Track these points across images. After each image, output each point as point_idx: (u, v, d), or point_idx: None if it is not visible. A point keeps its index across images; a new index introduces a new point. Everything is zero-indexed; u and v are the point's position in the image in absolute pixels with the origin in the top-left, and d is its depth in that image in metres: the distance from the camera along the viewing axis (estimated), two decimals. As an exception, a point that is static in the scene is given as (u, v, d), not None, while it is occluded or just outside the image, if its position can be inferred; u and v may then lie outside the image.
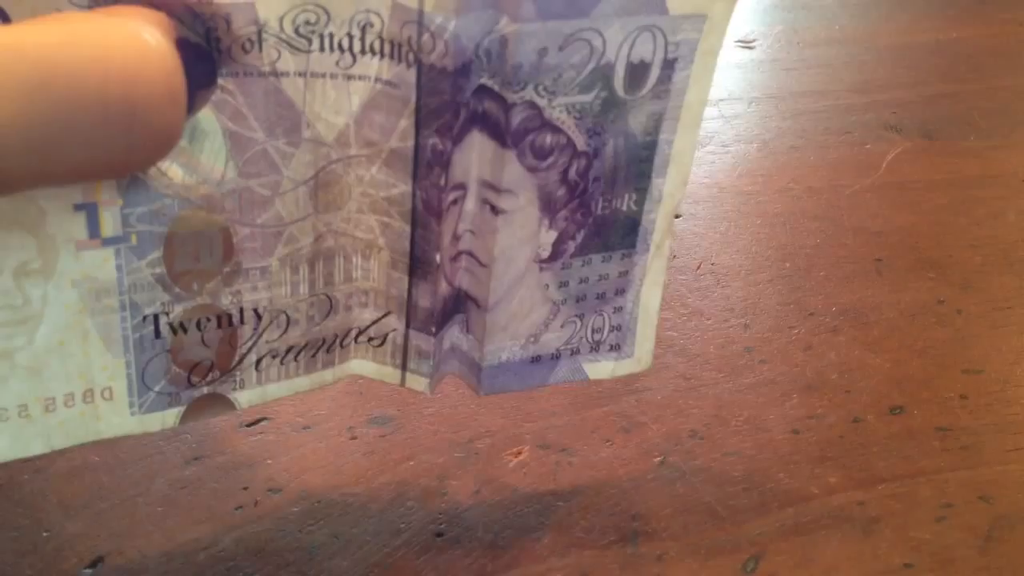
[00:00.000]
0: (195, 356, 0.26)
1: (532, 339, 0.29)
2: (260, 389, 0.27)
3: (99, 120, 0.18)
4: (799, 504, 0.33)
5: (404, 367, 0.28)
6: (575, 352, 0.29)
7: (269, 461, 0.34)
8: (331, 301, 0.27)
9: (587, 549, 0.31)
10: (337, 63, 0.24)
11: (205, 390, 0.26)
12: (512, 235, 0.26)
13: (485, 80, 0.24)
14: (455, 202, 0.26)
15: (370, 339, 0.28)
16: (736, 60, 0.72)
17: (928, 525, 0.32)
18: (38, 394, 0.24)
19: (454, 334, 0.28)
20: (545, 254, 0.27)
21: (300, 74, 0.24)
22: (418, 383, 0.28)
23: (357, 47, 0.24)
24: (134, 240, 0.24)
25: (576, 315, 0.29)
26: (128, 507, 0.32)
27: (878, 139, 0.60)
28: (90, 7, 0.21)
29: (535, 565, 0.30)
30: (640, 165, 0.27)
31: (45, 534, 0.31)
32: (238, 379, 0.27)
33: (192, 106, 0.22)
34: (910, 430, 0.36)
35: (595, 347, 0.29)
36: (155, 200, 0.23)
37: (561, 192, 0.26)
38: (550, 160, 0.25)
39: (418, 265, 0.26)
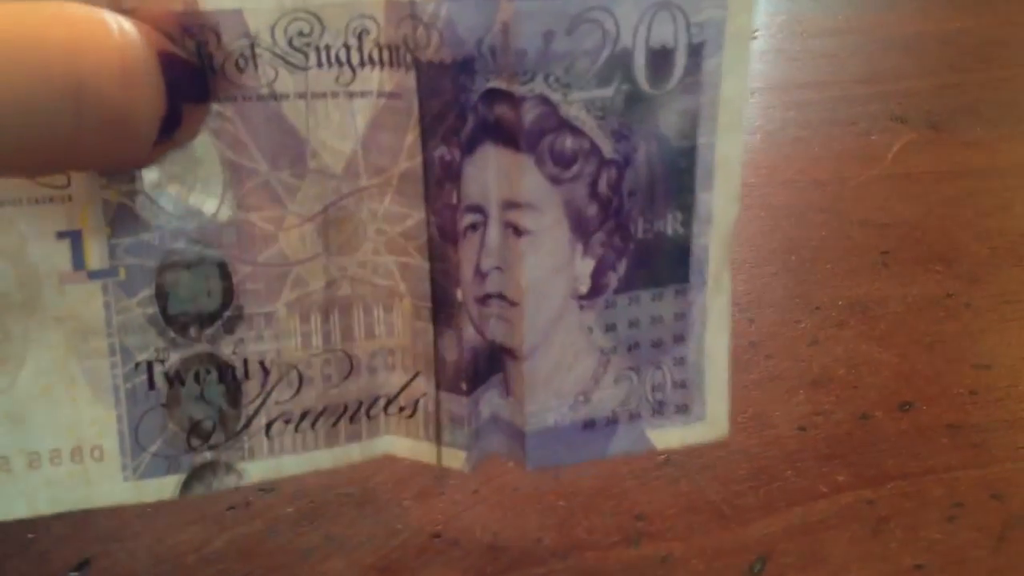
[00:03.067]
0: (194, 414, 0.23)
1: (582, 398, 0.25)
2: (274, 461, 0.24)
3: (41, 92, 0.17)
4: (807, 503, 0.32)
5: (439, 440, 0.25)
6: (635, 416, 0.25)
7: (262, 460, 0.33)
8: (351, 360, 0.24)
9: (589, 550, 0.30)
10: (337, 79, 0.22)
11: (208, 456, 0.24)
12: (541, 263, 0.24)
13: (493, 82, 0.22)
14: (474, 228, 0.23)
15: (401, 409, 0.25)
16: (739, 50, 0.71)
17: (939, 524, 0.31)
18: (21, 446, 0.22)
19: (493, 399, 0.25)
20: (584, 288, 0.24)
21: (300, 96, 0.22)
22: (455, 459, 0.25)
23: (355, 59, 0.22)
24: (123, 275, 0.22)
25: (630, 368, 0.25)
26: (116, 508, 0.31)
27: (884, 130, 0.59)
28: None
29: (535, 567, 0.29)
30: (680, 177, 0.24)
31: (30, 536, 0.30)
32: (246, 446, 0.24)
33: (179, 121, 0.21)
34: (919, 427, 0.35)
35: (658, 409, 0.25)
36: (145, 231, 0.22)
37: (592, 210, 0.24)
38: (574, 169, 0.23)
39: (440, 308, 0.24)
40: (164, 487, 0.23)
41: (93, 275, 0.22)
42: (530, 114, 0.22)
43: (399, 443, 0.25)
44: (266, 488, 0.32)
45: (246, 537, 0.30)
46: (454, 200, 0.23)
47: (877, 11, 0.79)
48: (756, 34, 0.74)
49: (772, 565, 0.30)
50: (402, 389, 0.25)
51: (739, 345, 0.40)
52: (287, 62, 0.22)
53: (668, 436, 0.26)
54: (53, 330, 0.22)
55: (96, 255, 0.22)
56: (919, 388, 0.37)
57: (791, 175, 0.54)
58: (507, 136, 0.23)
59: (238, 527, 0.30)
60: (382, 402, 0.25)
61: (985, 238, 0.48)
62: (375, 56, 0.22)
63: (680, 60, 0.23)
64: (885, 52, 0.71)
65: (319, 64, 0.22)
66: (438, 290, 0.24)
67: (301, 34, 0.22)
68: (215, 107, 0.22)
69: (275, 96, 0.22)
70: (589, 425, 0.25)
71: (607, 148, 0.23)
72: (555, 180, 0.23)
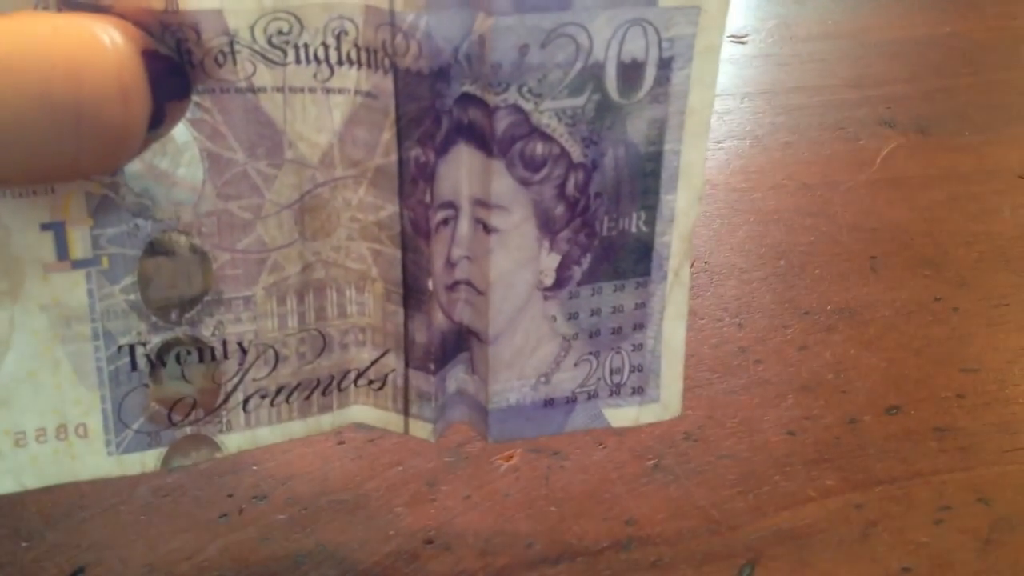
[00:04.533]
0: (176, 392, 0.24)
1: (543, 379, 0.26)
2: (250, 433, 0.25)
3: (42, 114, 0.17)
4: (795, 507, 0.32)
5: (406, 412, 0.26)
6: (593, 395, 0.27)
7: (254, 467, 0.33)
8: (324, 338, 0.25)
9: (580, 555, 0.30)
10: (315, 76, 0.23)
11: (188, 430, 0.25)
12: (508, 257, 0.24)
13: (467, 87, 0.23)
14: (445, 223, 0.24)
15: (370, 382, 0.26)
16: (728, 55, 0.71)
17: (926, 528, 0.31)
18: (7, 427, 0.23)
19: (459, 375, 0.26)
20: (548, 281, 0.25)
21: (278, 89, 0.23)
22: (422, 430, 0.26)
23: (334, 57, 0.23)
24: (105, 263, 0.23)
25: (590, 352, 0.26)
26: (109, 516, 0.31)
27: (872, 135, 0.59)
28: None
29: (526, 572, 0.30)
30: (645, 180, 0.24)
31: (24, 544, 0.30)
32: (224, 420, 0.25)
33: (163, 118, 0.21)
34: (907, 431, 0.36)
35: (615, 390, 0.27)
36: (127, 221, 0.22)
37: (560, 209, 0.24)
38: (543, 172, 0.24)
39: (411, 294, 0.25)
40: (146, 460, 0.24)
41: (77, 264, 0.22)
42: (502, 123, 0.23)
43: (367, 412, 0.26)
44: (259, 496, 0.32)
45: (239, 544, 0.30)
46: (427, 199, 0.24)
47: (866, 16, 0.80)
48: (746, 39, 0.75)
49: (761, 569, 0.30)
50: (372, 364, 0.26)
51: (728, 350, 0.40)
52: (266, 58, 0.22)
53: (622, 414, 0.27)
54: (38, 317, 0.22)
55: (79, 245, 0.22)
56: (907, 392, 0.38)
57: (780, 179, 0.54)
58: (479, 139, 0.23)
59: (231, 534, 0.30)
60: (352, 375, 0.26)
61: (973, 242, 0.48)
62: (353, 56, 0.23)
63: (650, 72, 0.23)
64: (874, 57, 0.71)
65: (297, 61, 0.23)
66: (409, 278, 0.24)
67: (280, 33, 0.22)
68: (194, 98, 0.22)
69: (253, 89, 0.23)
70: (549, 403, 0.26)
71: (576, 153, 0.24)
72: (524, 182, 0.24)
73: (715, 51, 0.24)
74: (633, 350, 0.27)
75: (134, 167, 0.23)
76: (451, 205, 0.24)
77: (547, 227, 0.24)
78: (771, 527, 0.31)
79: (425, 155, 0.23)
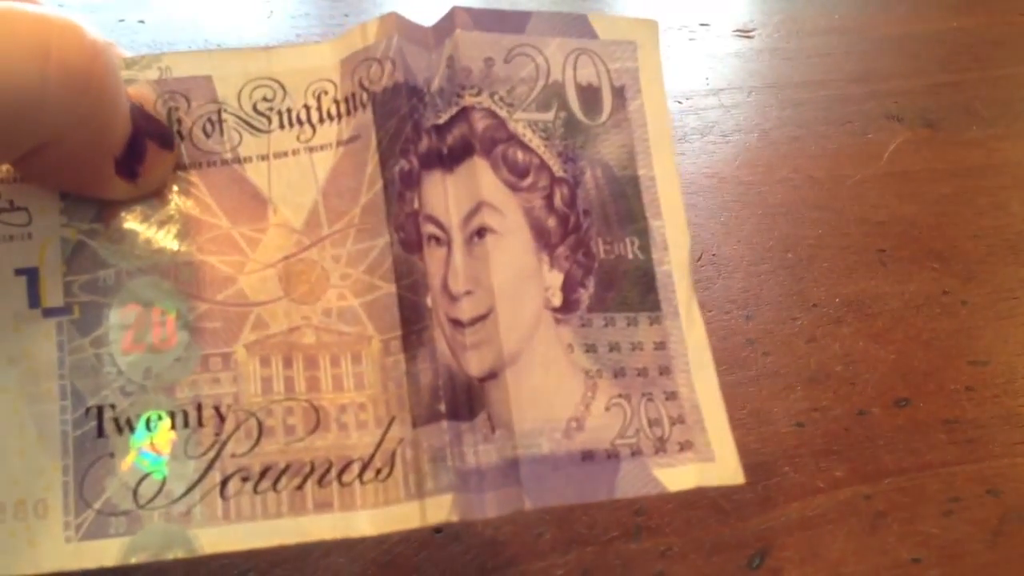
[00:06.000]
0: (142, 465, 0.22)
1: (575, 424, 0.24)
2: (228, 529, 0.22)
3: (6, 47, 0.18)
4: (805, 498, 0.32)
5: (420, 493, 0.23)
6: (636, 451, 0.24)
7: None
8: (317, 412, 0.23)
9: (589, 545, 0.30)
10: (298, 137, 0.24)
11: (156, 518, 0.22)
12: (509, 263, 0.24)
13: (443, 116, 0.24)
14: (437, 241, 0.24)
15: (377, 472, 0.23)
16: (735, 49, 0.71)
17: (936, 519, 0.31)
18: None
19: (477, 445, 0.23)
20: (556, 300, 0.24)
21: (262, 158, 0.23)
22: (440, 509, 0.22)
23: (315, 117, 0.24)
24: (77, 312, 0.22)
25: (620, 395, 0.24)
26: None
27: (880, 129, 0.59)
28: None
29: (536, 562, 0.30)
30: (629, 202, 0.25)
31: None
32: (197, 510, 0.22)
33: (144, 156, 0.22)
34: (916, 423, 0.36)
35: (660, 446, 0.24)
36: (101, 267, 0.22)
37: (552, 222, 0.25)
38: (528, 180, 0.25)
39: (410, 327, 0.23)
40: (106, 552, 0.21)
41: (48, 313, 0.22)
42: (480, 123, 0.24)
43: (378, 517, 0.23)
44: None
45: (248, 532, 0.30)
46: (415, 206, 0.24)
47: (873, 10, 0.80)
48: (752, 33, 0.74)
49: (771, 559, 0.30)
50: (377, 448, 0.23)
51: (737, 342, 0.40)
52: (251, 126, 0.23)
53: (679, 476, 0.24)
54: (7, 372, 0.21)
55: (51, 292, 0.22)
56: (916, 384, 0.38)
57: (787, 173, 0.54)
58: (461, 153, 0.24)
59: (240, 523, 0.30)
60: (356, 467, 0.23)
61: (981, 236, 0.48)
62: (333, 112, 0.24)
63: (607, 97, 0.25)
64: (881, 51, 0.71)
65: (281, 126, 0.24)
66: (407, 308, 0.23)
67: (265, 99, 0.24)
68: (181, 174, 0.23)
69: (239, 160, 0.23)
70: (588, 457, 0.24)
71: (556, 167, 0.25)
72: (512, 186, 0.25)
73: (659, 83, 0.25)
74: (667, 399, 0.25)
75: (113, 214, 0.23)
76: (440, 226, 0.24)
77: (543, 239, 0.25)
78: (780, 517, 0.31)
79: (409, 163, 0.24)
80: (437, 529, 0.30)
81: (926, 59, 0.70)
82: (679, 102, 0.59)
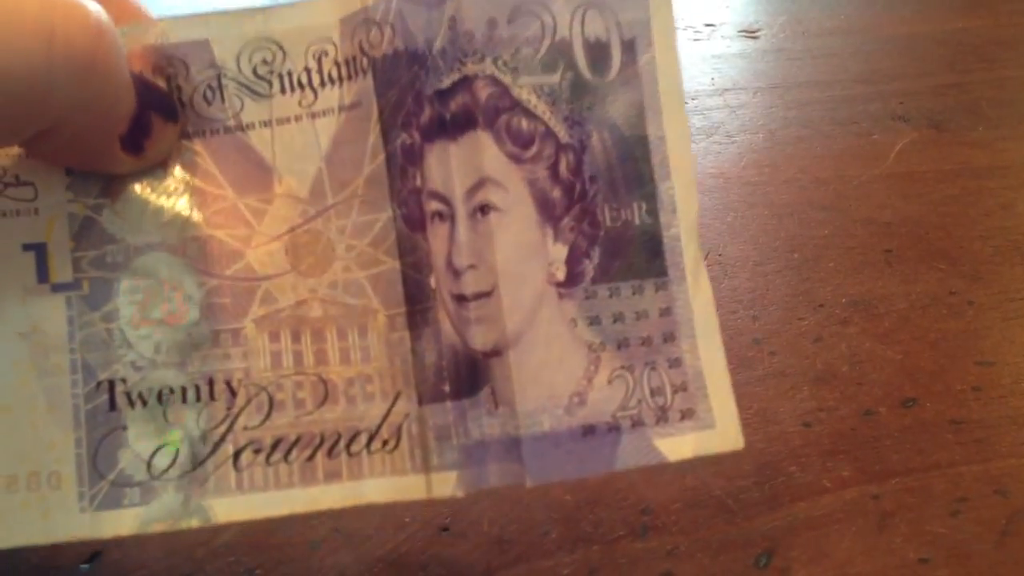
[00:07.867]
0: (156, 438, 0.22)
1: (577, 399, 0.24)
2: (242, 499, 0.22)
3: (13, 29, 0.18)
4: (811, 498, 0.32)
5: (426, 467, 0.24)
6: (637, 422, 0.24)
7: (270, 454, 0.33)
8: (326, 385, 0.23)
9: (595, 544, 0.30)
10: (300, 103, 0.23)
11: (171, 489, 0.22)
12: (512, 241, 0.24)
13: (445, 81, 0.23)
14: (440, 217, 0.24)
15: (384, 443, 0.24)
16: (741, 50, 0.71)
17: (943, 519, 0.31)
18: None
19: (481, 419, 0.24)
20: (560, 275, 0.24)
21: (265, 124, 0.23)
22: (445, 483, 0.23)
23: (316, 80, 0.23)
24: (86, 288, 0.22)
25: (623, 367, 0.24)
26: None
27: (885, 129, 0.59)
28: None
29: (542, 560, 0.30)
30: (637, 165, 0.24)
31: (41, 528, 0.30)
32: (211, 480, 0.22)
33: (151, 131, 0.22)
34: (923, 423, 0.36)
35: (661, 415, 0.24)
36: (109, 243, 0.22)
37: (557, 193, 0.24)
38: (533, 150, 0.24)
39: (415, 306, 0.24)
40: (121, 522, 0.22)
41: (56, 288, 0.22)
42: (483, 92, 0.24)
43: (384, 485, 0.24)
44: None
45: (255, 530, 0.30)
46: (418, 182, 0.24)
47: (878, 11, 0.80)
48: (758, 33, 0.74)
49: (777, 559, 0.30)
50: (383, 419, 0.24)
51: (743, 342, 0.40)
52: (252, 91, 0.23)
53: (678, 445, 0.24)
54: (17, 345, 0.22)
55: (60, 267, 0.22)
56: (923, 385, 0.38)
57: (793, 173, 0.54)
58: (464, 123, 0.24)
59: (247, 520, 0.30)
60: (363, 438, 0.24)
61: (988, 236, 0.48)
62: (334, 74, 0.23)
63: (616, 53, 0.24)
64: (886, 52, 0.71)
65: (282, 90, 0.23)
66: (411, 286, 0.24)
67: (264, 62, 0.23)
68: (185, 143, 0.23)
69: (242, 127, 0.23)
70: (589, 431, 0.24)
71: (562, 133, 0.24)
72: (515, 158, 0.24)
73: (670, 34, 0.24)
74: (670, 366, 0.25)
75: (120, 189, 0.22)
76: (444, 200, 0.24)
77: (547, 212, 0.24)
78: (787, 517, 0.31)
79: (411, 137, 0.24)
80: (444, 527, 0.30)
81: (932, 60, 0.70)
82: (684, 103, 0.60)
